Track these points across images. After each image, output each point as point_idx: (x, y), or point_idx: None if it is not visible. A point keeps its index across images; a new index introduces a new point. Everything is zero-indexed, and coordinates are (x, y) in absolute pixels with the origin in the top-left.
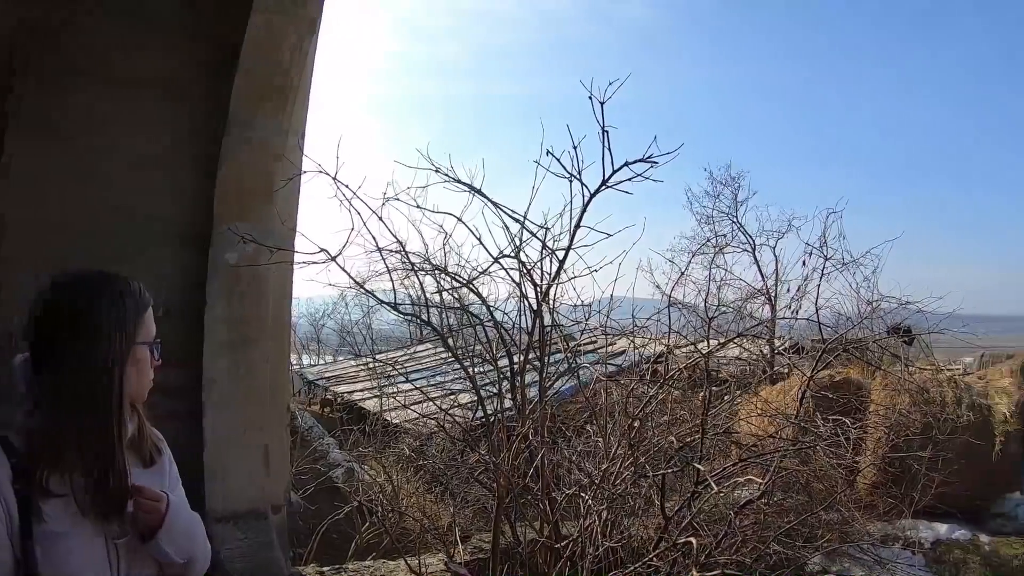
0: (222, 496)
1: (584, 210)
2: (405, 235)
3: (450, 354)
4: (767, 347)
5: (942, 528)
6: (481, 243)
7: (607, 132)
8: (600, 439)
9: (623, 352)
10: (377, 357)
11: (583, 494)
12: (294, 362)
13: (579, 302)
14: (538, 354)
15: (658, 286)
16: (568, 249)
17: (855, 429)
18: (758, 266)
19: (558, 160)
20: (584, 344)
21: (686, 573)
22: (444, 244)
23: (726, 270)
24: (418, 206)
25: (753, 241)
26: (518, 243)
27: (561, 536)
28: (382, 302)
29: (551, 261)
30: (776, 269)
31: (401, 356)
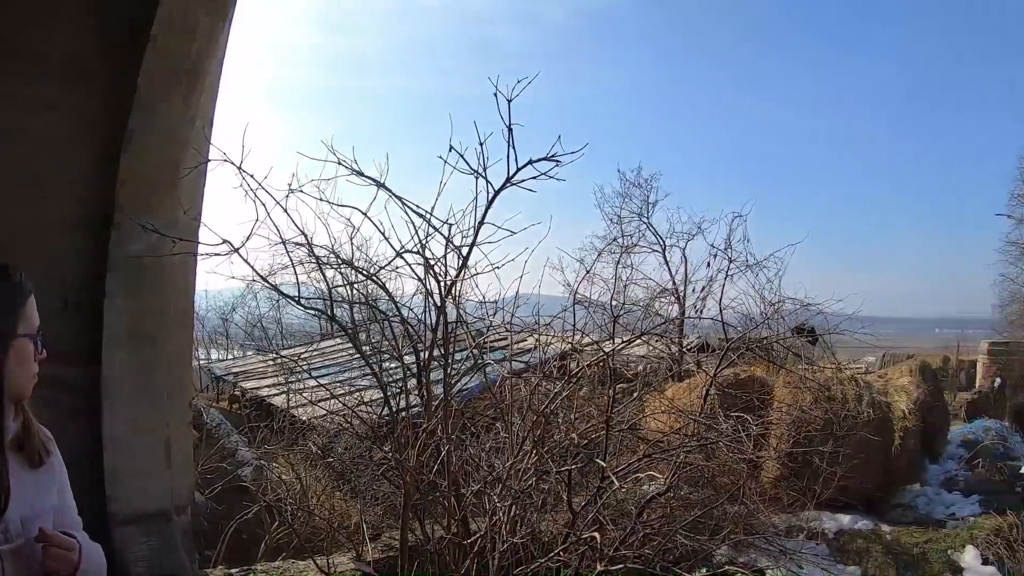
0: (124, 498)
1: (488, 207)
2: (312, 228)
3: (365, 348)
4: (675, 346)
5: (845, 519)
6: (385, 238)
7: (512, 130)
8: (507, 436)
9: (532, 350)
10: (283, 352)
11: (489, 491)
12: (201, 357)
13: (485, 299)
14: (443, 351)
15: (568, 284)
16: (472, 246)
17: (758, 425)
18: (667, 266)
19: (462, 156)
20: (492, 341)
21: (592, 567)
22: (351, 238)
23: (633, 269)
24: (322, 199)
25: (663, 242)
26: (423, 239)
27: (470, 533)
28: (286, 296)
29: (456, 257)
30: (685, 270)
31: (308, 351)
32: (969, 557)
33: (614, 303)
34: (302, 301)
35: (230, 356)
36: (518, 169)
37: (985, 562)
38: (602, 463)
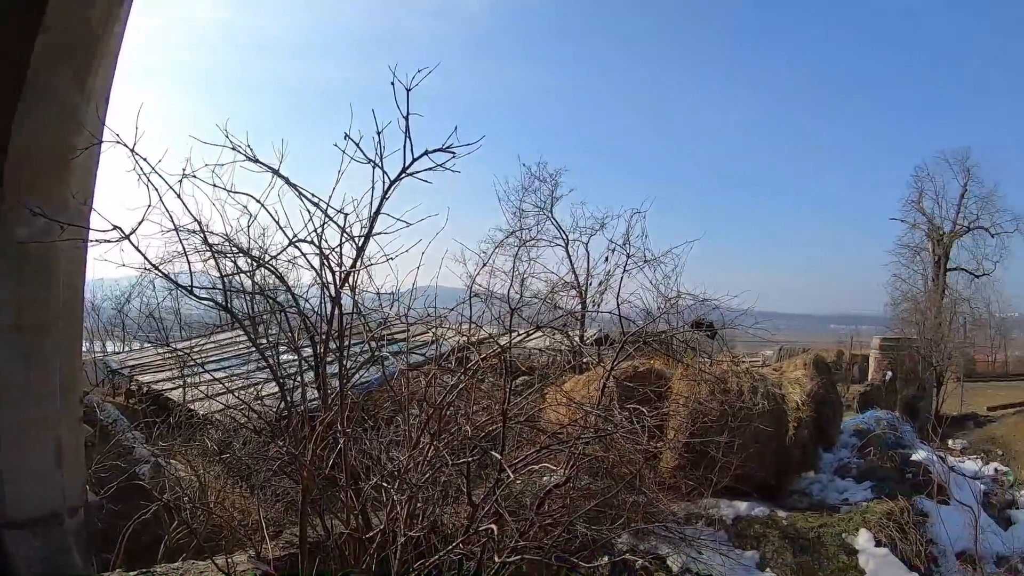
0: (13, 500)
1: (384, 197)
2: (208, 215)
3: (260, 340)
4: (576, 339)
5: (742, 506)
6: (279, 226)
7: (408, 119)
8: (406, 429)
9: (434, 342)
10: (179, 345)
11: (386, 484)
12: (96, 349)
13: (383, 290)
14: (338, 343)
15: (471, 276)
16: (367, 236)
17: (653, 416)
18: (570, 260)
19: (358, 146)
20: (392, 333)
21: (493, 559)
22: (248, 227)
23: (532, 262)
24: (215, 185)
25: (566, 236)
26: (319, 229)
27: (370, 527)
28: (179, 285)
29: (352, 248)
30: (587, 264)
31: (204, 344)
32: (863, 540)
33: (514, 295)
34: (195, 291)
35: (126, 349)
36: (414, 159)
37: (878, 544)
38: (497, 455)
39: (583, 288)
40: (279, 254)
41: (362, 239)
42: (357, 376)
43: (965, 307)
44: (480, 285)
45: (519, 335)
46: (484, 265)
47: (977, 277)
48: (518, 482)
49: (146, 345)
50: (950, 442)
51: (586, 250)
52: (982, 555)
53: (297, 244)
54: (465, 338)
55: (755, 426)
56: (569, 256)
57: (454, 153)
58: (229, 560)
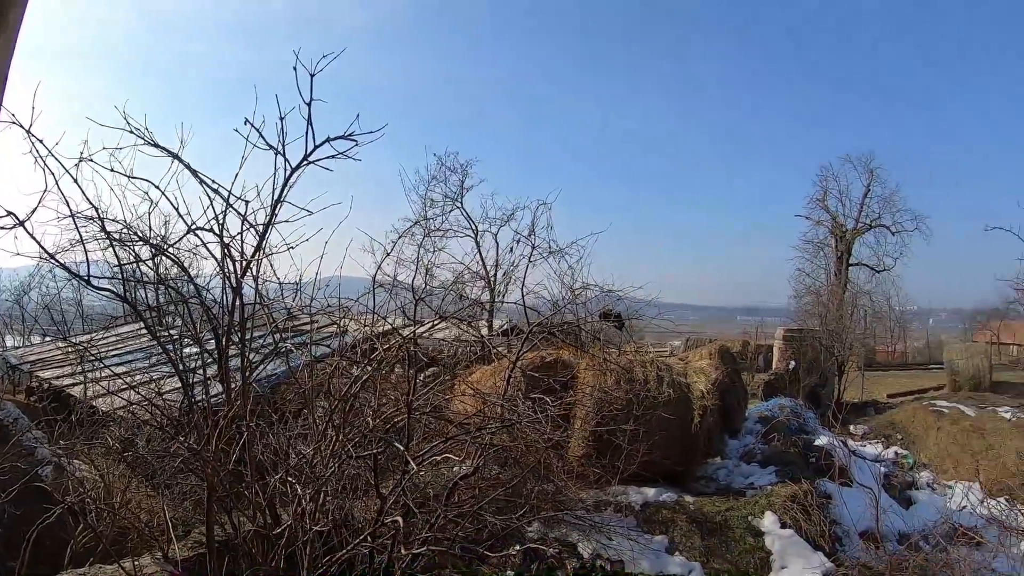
0: None
1: (285, 185)
2: (107, 202)
3: (160, 332)
4: (484, 329)
5: (650, 492)
6: (179, 213)
7: (311, 105)
8: (312, 422)
9: (344, 332)
10: (79, 338)
11: (291, 479)
12: None
13: (286, 280)
14: (240, 335)
15: (376, 265)
16: (268, 224)
17: (558, 406)
18: (479, 251)
19: (259, 132)
20: (297, 325)
21: (399, 552)
22: (149, 213)
23: (436, 252)
24: (113, 170)
25: (475, 227)
26: (220, 216)
27: (279, 522)
28: (75, 275)
29: (253, 236)
30: (496, 255)
31: (106, 336)
32: (768, 522)
33: (421, 286)
34: (93, 281)
35: (26, 343)
36: (315, 147)
37: (783, 526)
38: (400, 447)
39: (491, 279)
40: (178, 241)
41: (264, 227)
42: (261, 369)
43: (866, 300)
44: (386, 275)
45: (425, 326)
46: (388, 255)
47: (878, 272)
48: (423, 474)
49: (47, 339)
50: (851, 427)
51: (495, 241)
52: (884, 534)
53: (197, 232)
54: (369, 329)
55: (661, 414)
56: (478, 246)
57: (356, 141)
58: (136, 563)
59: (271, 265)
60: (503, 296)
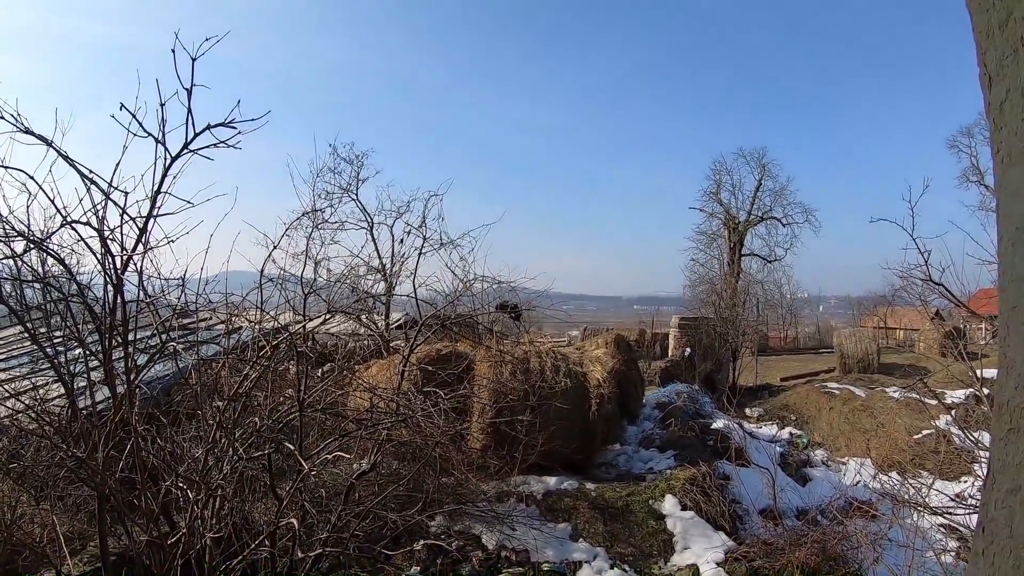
0: None
1: (165, 175)
2: None
3: (42, 334)
4: (381, 322)
5: (551, 480)
6: (55, 206)
7: (191, 92)
8: (204, 424)
9: (229, 332)
10: None
11: (182, 485)
12: None
13: (171, 276)
14: (122, 335)
15: (273, 260)
16: (149, 217)
17: (451, 399)
18: (374, 243)
19: (135, 118)
20: (184, 323)
21: (293, 555)
22: (28, 205)
23: (334, 244)
24: None
25: (371, 219)
26: (99, 208)
27: (175, 529)
28: None
29: (133, 229)
30: (392, 247)
31: None
32: (669, 505)
33: (312, 279)
34: None
35: None
36: (196, 135)
37: (684, 508)
38: (292, 446)
39: (387, 271)
40: (53, 234)
41: (144, 220)
42: (148, 370)
43: (758, 289)
44: (278, 267)
45: (316, 320)
46: (275, 247)
47: (769, 262)
48: (315, 474)
49: None
50: (747, 410)
51: (391, 233)
52: (782, 510)
53: (74, 225)
54: (258, 326)
55: (558, 404)
56: (373, 239)
57: (237, 129)
58: None
59: (152, 262)
60: (393, 288)
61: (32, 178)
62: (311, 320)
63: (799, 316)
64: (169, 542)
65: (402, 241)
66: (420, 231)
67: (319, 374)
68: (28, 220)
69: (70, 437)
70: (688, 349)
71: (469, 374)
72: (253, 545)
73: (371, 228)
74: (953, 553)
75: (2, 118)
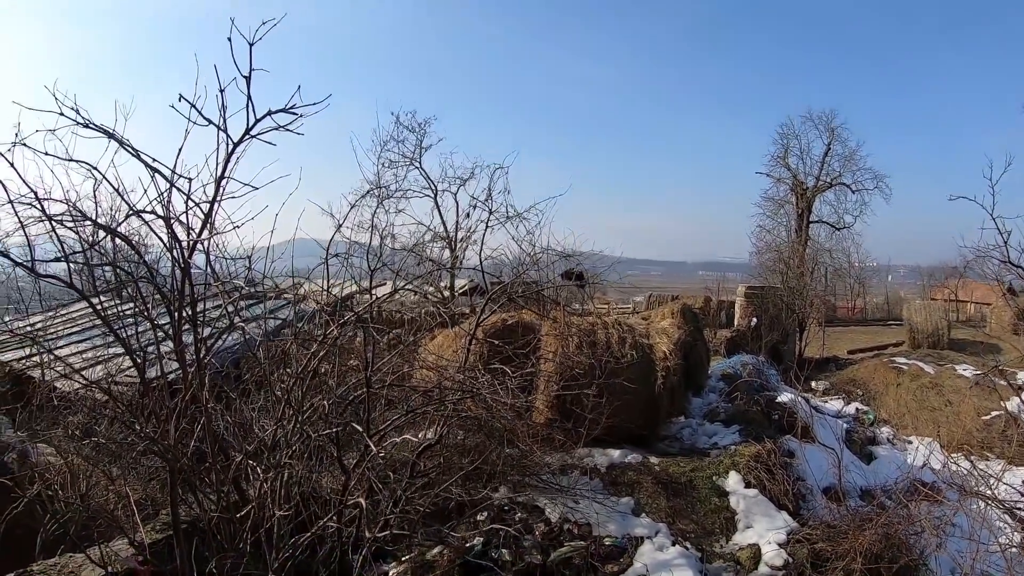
0: None
1: (227, 161)
2: (50, 181)
3: (112, 312)
4: (447, 290)
5: (615, 453)
6: (120, 194)
7: (249, 78)
8: (272, 399)
9: (303, 299)
10: (34, 319)
11: (252, 462)
12: None
13: (238, 255)
14: (191, 314)
15: (337, 229)
16: (213, 202)
17: (518, 377)
18: (439, 211)
19: (195, 107)
20: (252, 294)
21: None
22: (95, 191)
23: (400, 212)
24: (47, 153)
25: (435, 186)
26: (164, 195)
27: (246, 500)
28: (17, 263)
29: (200, 214)
30: (456, 215)
31: (61, 315)
32: (733, 482)
33: (380, 251)
34: (38, 268)
35: None
36: (256, 121)
37: (748, 485)
38: (360, 428)
39: (452, 239)
40: (122, 222)
41: (209, 205)
42: (217, 343)
43: (826, 257)
44: (344, 237)
45: (385, 288)
46: (340, 226)
47: (838, 230)
48: (385, 445)
49: (6, 320)
50: (813, 384)
51: (455, 200)
52: (846, 490)
53: (141, 215)
54: (325, 298)
55: (625, 379)
56: (438, 206)
57: (297, 114)
58: (105, 550)
59: (217, 244)
60: (463, 257)
61: (95, 169)
62: (377, 288)
63: (868, 286)
64: (239, 515)
65: (468, 215)
66: (486, 204)
67: (384, 341)
68: (96, 206)
69: (141, 414)
70: (754, 319)
71: (535, 346)
72: (321, 523)
73: (435, 196)
74: (1019, 546)
75: (61, 115)
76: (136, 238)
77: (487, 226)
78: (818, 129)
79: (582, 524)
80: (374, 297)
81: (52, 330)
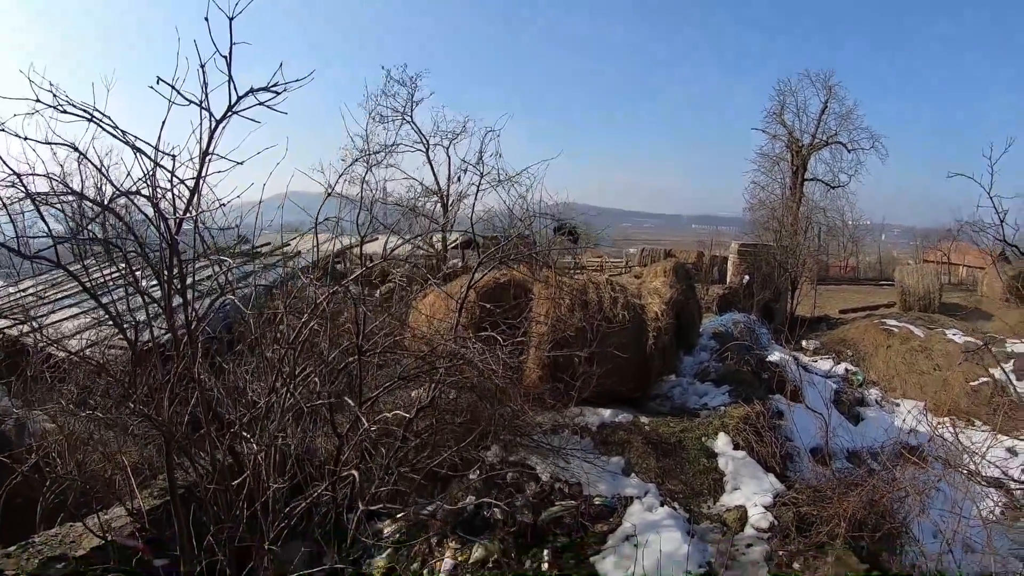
0: None
1: (211, 139)
2: (33, 158)
3: (101, 283)
4: (439, 244)
5: (606, 412)
6: (102, 174)
7: (229, 57)
8: (264, 365)
9: (298, 254)
10: (24, 284)
11: (245, 434)
12: None
13: (226, 224)
14: (180, 286)
15: (329, 186)
16: (198, 178)
17: (518, 332)
18: (431, 165)
19: (173, 87)
20: (244, 249)
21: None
22: (79, 167)
23: (389, 167)
24: (26, 138)
25: (427, 140)
26: (147, 175)
27: (241, 465)
28: (3, 246)
29: (185, 190)
30: (448, 169)
31: (51, 280)
32: (721, 443)
33: (372, 207)
34: (23, 248)
35: None
36: (238, 98)
37: (736, 447)
38: (351, 401)
39: (444, 193)
40: (110, 202)
41: (195, 181)
42: (206, 308)
43: (820, 216)
44: (336, 194)
45: (377, 246)
46: (329, 194)
47: (833, 188)
48: (375, 422)
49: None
50: (803, 343)
51: (447, 155)
52: (833, 452)
53: (128, 195)
54: (316, 251)
55: (615, 345)
56: (429, 160)
57: (278, 92)
58: (102, 518)
59: (201, 221)
60: (456, 212)
61: (77, 149)
62: (368, 244)
63: (861, 245)
64: (235, 483)
65: (459, 179)
66: (477, 168)
67: (377, 295)
68: (82, 182)
69: (134, 384)
70: (747, 276)
71: (527, 305)
72: (316, 492)
73: (427, 150)
74: (999, 510)
75: (37, 100)
76: (123, 212)
77: (478, 189)
78: (815, 87)
79: (572, 484)
80: (366, 266)
81: (45, 295)
